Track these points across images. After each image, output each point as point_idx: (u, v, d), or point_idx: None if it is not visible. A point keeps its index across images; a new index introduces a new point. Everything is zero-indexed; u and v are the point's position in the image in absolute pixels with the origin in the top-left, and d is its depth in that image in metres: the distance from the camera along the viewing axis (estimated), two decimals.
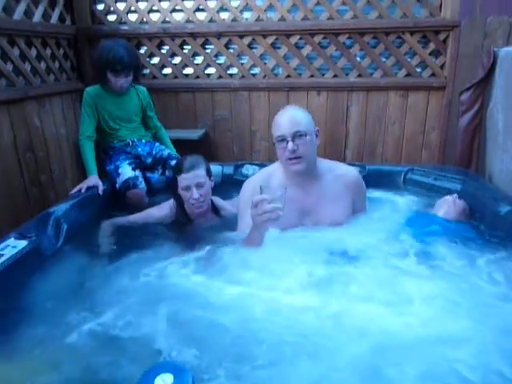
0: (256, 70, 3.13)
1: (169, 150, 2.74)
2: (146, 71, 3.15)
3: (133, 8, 3.07)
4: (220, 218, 2.15)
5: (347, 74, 3.04)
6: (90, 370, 1.21)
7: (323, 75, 3.07)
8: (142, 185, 2.49)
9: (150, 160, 2.66)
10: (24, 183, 2.44)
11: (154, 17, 3.07)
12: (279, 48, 3.05)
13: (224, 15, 3.03)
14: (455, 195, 2.14)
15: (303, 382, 1.15)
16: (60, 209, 2.06)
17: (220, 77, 3.14)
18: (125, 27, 3.07)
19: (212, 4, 3.01)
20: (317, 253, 1.71)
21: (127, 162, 2.54)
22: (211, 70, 3.15)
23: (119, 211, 2.32)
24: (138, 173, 2.51)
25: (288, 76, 3.09)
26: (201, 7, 3.02)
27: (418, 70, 2.99)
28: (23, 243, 1.70)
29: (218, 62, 3.13)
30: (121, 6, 3.08)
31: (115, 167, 2.52)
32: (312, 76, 3.07)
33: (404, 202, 2.34)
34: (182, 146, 2.85)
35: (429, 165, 2.94)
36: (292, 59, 3.05)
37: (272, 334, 1.30)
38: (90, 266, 1.81)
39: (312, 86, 3.06)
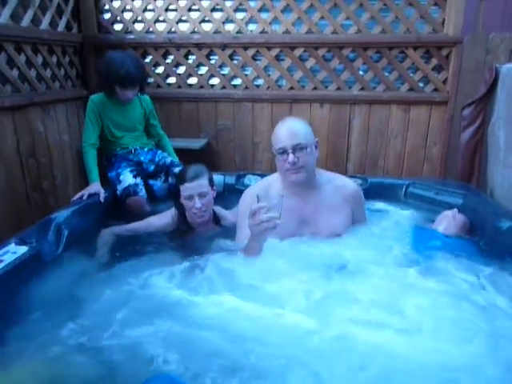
0: (260, 82, 3.15)
1: (171, 158, 2.75)
2: (151, 80, 3.17)
3: (139, 18, 3.10)
4: (221, 227, 2.14)
5: (350, 87, 3.07)
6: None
7: (326, 88, 3.09)
8: (143, 192, 2.49)
9: (152, 167, 2.67)
10: (26, 189, 2.45)
11: (160, 27, 3.11)
12: (283, 60, 3.08)
13: (229, 27, 3.06)
14: (455, 210, 2.13)
15: None
16: (61, 215, 2.05)
17: (224, 87, 3.16)
18: (131, 36, 3.10)
19: (217, 15, 3.04)
20: (315, 267, 1.69)
21: (129, 169, 2.54)
22: (215, 81, 3.18)
23: (119, 219, 2.31)
24: (138, 180, 2.51)
25: (291, 88, 3.11)
26: (206, 18, 3.06)
27: (421, 84, 3.01)
28: (23, 249, 1.69)
29: (222, 72, 3.15)
30: (127, 15, 3.11)
31: (117, 174, 2.53)
32: (315, 88, 3.09)
33: (404, 216, 2.32)
34: (184, 155, 2.86)
35: (430, 178, 2.95)
36: (296, 71, 3.08)
37: (261, 352, 1.25)
38: (86, 274, 1.78)
39: (315, 98, 3.08)
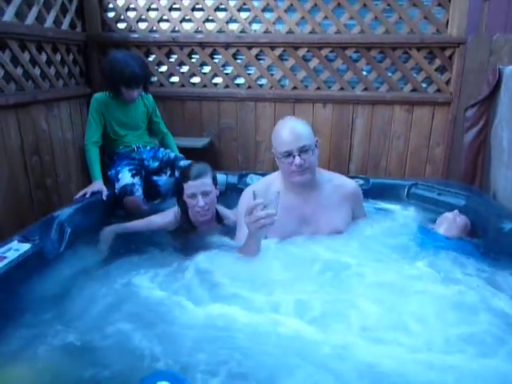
0: (263, 81, 3.15)
1: (175, 152, 2.76)
2: (154, 79, 3.17)
3: (143, 17, 3.11)
4: (223, 226, 2.15)
5: (353, 88, 3.06)
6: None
7: (329, 88, 3.09)
8: (139, 192, 2.47)
9: (156, 164, 2.67)
10: (29, 186, 2.45)
11: (164, 26, 3.11)
12: (286, 60, 3.08)
13: (233, 26, 3.06)
14: (456, 211, 2.12)
15: None
16: (64, 213, 2.06)
17: (227, 86, 3.16)
18: (134, 35, 3.11)
19: (221, 15, 3.04)
20: (314, 269, 1.67)
21: (128, 168, 2.54)
22: (218, 80, 3.18)
23: (122, 217, 2.32)
24: (136, 180, 2.50)
25: (294, 88, 3.11)
26: (210, 18, 3.06)
27: (424, 85, 3.01)
28: (26, 246, 1.70)
29: (226, 71, 3.15)
30: (131, 14, 3.11)
31: (116, 172, 2.53)
32: (318, 88, 3.09)
33: (407, 217, 2.32)
34: (187, 154, 2.85)
35: (433, 179, 2.94)
36: (299, 71, 3.08)
37: (255, 358, 1.22)
38: (85, 272, 1.77)
39: (318, 98, 3.08)
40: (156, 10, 3.09)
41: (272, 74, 3.11)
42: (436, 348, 1.26)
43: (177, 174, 2.55)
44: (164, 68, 3.20)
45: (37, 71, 2.56)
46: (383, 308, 1.43)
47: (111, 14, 3.13)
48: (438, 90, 3.00)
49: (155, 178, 2.66)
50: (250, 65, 3.12)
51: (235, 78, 3.16)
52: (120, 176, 2.50)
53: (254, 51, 3.06)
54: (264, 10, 3.00)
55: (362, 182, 2.57)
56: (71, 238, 1.99)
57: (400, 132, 3.07)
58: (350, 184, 2.02)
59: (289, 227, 1.83)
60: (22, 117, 2.37)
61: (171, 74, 3.20)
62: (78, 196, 2.36)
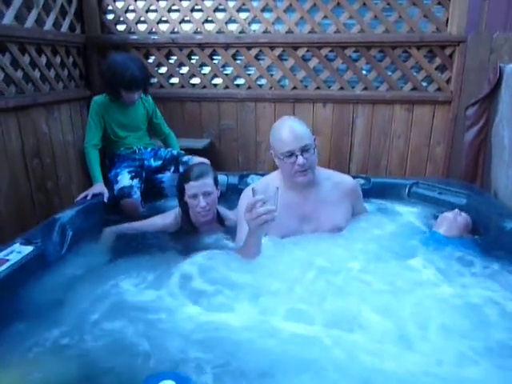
0: (262, 81, 3.15)
1: (177, 150, 2.76)
2: (154, 80, 3.18)
3: (142, 18, 3.11)
4: (224, 227, 2.15)
5: (353, 87, 3.06)
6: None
7: (329, 87, 3.09)
8: (137, 195, 2.47)
9: (159, 163, 2.66)
10: (30, 189, 2.46)
11: (163, 27, 3.11)
12: (286, 60, 3.08)
13: (232, 27, 3.06)
14: (456, 211, 2.10)
15: None
16: (66, 215, 2.07)
17: (226, 87, 3.16)
18: (134, 37, 3.11)
19: (220, 16, 3.05)
20: (315, 269, 1.65)
21: (127, 170, 2.54)
22: (218, 81, 3.18)
23: (123, 219, 2.32)
24: (134, 182, 2.49)
25: (294, 88, 3.11)
26: (209, 18, 3.06)
27: (424, 84, 3.01)
28: (28, 249, 1.70)
29: (225, 72, 3.16)
30: (130, 16, 3.12)
31: (115, 174, 2.53)
32: (318, 88, 3.09)
33: (407, 217, 2.31)
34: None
35: (434, 178, 2.93)
36: (299, 71, 3.08)
37: (255, 357, 1.21)
38: (85, 274, 1.76)
39: (318, 97, 3.08)
40: (155, 11, 3.09)
41: (272, 74, 3.11)
42: (439, 349, 1.25)
43: (181, 169, 2.55)
44: (164, 69, 3.20)
45: (37, 74, 2.56)
46: (385, 311, 1.41)
47: (110, 16, 3.13)
48: (439, 89, 2.99)
49: (159, 175, 2.66)
50: (250, 65, 3.12)
51: (235, 78, 3.16)
52: (119, 178, 2.50)
53: (254, 51, 3.06)
54: (263, 10, 3.00)
55: (363, 181, 2.56)
56: (73, 240, 1.99)
57: (400, 131, 3.07)
58: (349, 180, 2.04)
59: (290, 226, 1.83)
60: (22, 119, 2.38)
61: (171, 76, 3.20)
62: (79, 198, 2.36)
